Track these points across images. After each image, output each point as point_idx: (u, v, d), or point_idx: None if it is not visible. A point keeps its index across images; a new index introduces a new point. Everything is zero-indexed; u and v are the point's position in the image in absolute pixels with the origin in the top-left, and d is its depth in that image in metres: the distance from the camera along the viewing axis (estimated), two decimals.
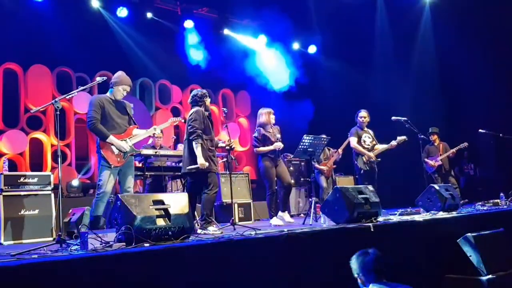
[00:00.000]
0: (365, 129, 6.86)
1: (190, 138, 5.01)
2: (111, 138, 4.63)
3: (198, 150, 4.92)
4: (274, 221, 5.79)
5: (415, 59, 10.43)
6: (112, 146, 4.64)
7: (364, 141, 6.75)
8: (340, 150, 8.06)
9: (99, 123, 4.62)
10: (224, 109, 6.06)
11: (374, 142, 6.82)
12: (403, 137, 6.69)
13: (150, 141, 7.43)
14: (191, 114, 5.16)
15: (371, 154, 6.64)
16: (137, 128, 4.96)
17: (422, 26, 10.50)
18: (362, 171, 6.68)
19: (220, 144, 5.64)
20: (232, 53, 10.68)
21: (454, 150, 8.34)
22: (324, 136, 6.20)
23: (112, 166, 4.63)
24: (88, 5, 9.01)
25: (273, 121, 6.12)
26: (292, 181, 9.02)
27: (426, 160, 8.40)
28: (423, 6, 10.48)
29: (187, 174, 5.13)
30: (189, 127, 5.07)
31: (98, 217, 4.52)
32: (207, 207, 5.01)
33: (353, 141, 6.76)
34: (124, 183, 4.79)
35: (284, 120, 7.91)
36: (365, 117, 6.83)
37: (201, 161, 4.88)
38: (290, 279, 3.71)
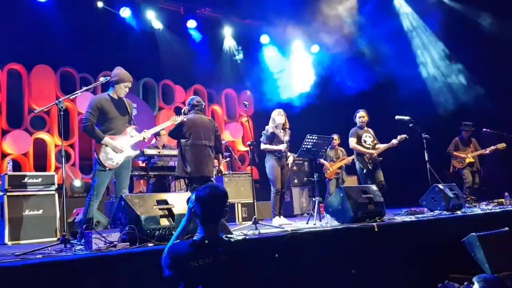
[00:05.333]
0: (365, 128, 6.87)
1: None
2: (106, 140, 4.48)
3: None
4: (277, 220, 5.78)
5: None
6: (108, 148, 4.50)
7: (365, 141, 6.76)
8: (350, 159, 8.04)
9: (94, 125, 4.48)
10: (246, 102, 5.86)
11: (375, 142, 6.82)
12: (404, 136, 6.69)
13: (153, 141, 7.43)
14: None
15: (372, 151, 6.63)
16: (135, 128, 4.80)
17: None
18: (364, 171, 6.68)
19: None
20: (234, 52, 10.68)
21: (490, 149, 8.10)
22: (335, 136, 6.22)
23: (107, 169, 4.50)
24: (91, 5, 9.02)
25: (281, 121, 6.12)
26: (296, 180, 9.10)
27: (456, 154, 8.27)
28: None
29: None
30: None
31: (90, 219, 4.45)
32: None
33: (352, 141, 6.79)
34: (120, 184, 4.66)
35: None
36: (363, 117, 6.85)
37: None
38: (294, 279, 3.70)
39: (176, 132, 5.39)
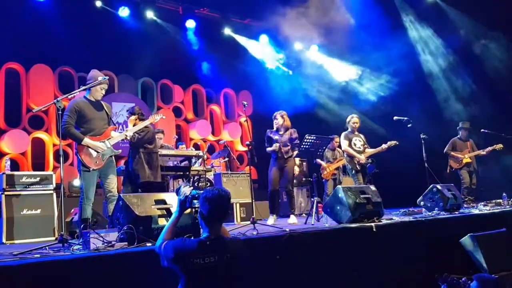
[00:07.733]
0: (356, 133, 7.03)
1: None
2: (86, 141, 4.54)
3: None
4: (270, 220, 5.82)
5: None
6: (90, 149, 4.56)
7: (355, 144, 6.92)
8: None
9: (73, 127, 4.54)
10: (245, 102, 5.92)
11: (365, 146, 6.97)
12: (394, 142, 6.84)
13: None
14: None
15: (361, 156, 6.75)
16: (115, 129, 4.88)
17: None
18: (353, 172, 6.81)
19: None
20: (233, 52, 10.68)
21: (488, 149, 8.13)
22: (335, 136, 6.27)
23: (91, 169, 4.56)
24: (90, 5, 9.02)
25: (278, 123, 6.14)
26: (294, 180, 9.07)
27: (453, 153, 8.31)
28: None
29: None
30: None
31: (85, 220, 4.49)
32: None
33: (344, 144, 6.93)
34: (107, 184, 4.71)
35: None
36: (356, 122, 7.02)
37: None
38: (292, 279, 3.70)
39: (147, 138, 5.36)
